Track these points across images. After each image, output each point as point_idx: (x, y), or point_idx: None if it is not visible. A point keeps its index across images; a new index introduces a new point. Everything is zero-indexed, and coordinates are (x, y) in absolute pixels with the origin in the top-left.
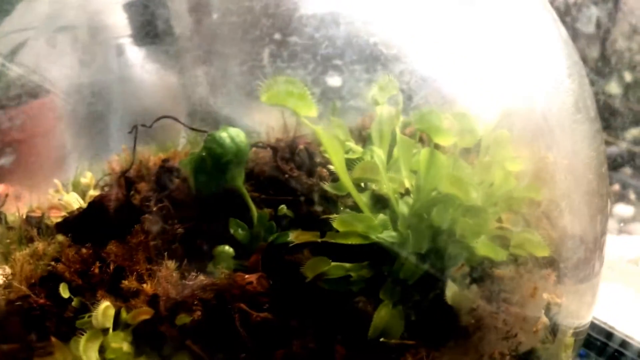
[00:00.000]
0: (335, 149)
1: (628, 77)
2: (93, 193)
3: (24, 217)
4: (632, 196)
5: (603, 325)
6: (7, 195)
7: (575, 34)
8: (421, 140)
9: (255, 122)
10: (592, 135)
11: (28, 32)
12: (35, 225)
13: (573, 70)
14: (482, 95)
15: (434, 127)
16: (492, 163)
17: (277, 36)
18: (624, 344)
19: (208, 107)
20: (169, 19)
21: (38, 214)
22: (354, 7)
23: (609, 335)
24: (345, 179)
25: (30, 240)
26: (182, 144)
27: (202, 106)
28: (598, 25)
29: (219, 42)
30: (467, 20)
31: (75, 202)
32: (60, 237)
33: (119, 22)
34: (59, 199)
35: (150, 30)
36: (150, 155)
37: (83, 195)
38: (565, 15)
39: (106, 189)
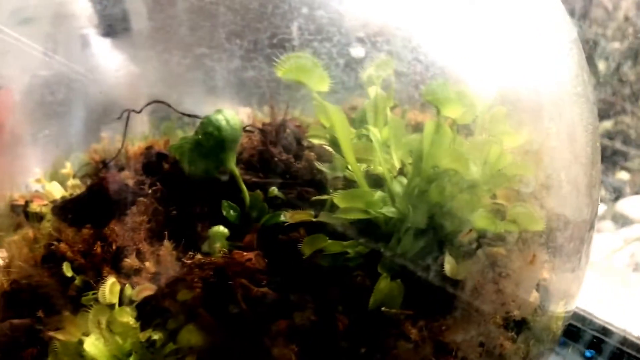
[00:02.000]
0: (343, 127)
1: (602, 66)
2: (73, 182)
3: (10, 205)
4: (602, 192)
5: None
6: None
7: None
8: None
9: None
10: (590, 114)
11: None
12: (20, 213)
13: (573, 46)
14: (480, 73)
15: (442, 98)
16: (488, 139)
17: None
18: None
19: (168, 99)
20: (132, 10)
21: (21, 202)
22: None
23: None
24: (350, 157)
25: (18, 226)
26: (141, 134)
27: (163, 97)
28: (572, 12)
29: (181, 34)
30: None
31: (57, 191)
32: (50, 222)
33: (83, 12)
34: (36, 189)
35: (114, 20)
36: (128, 144)
37: (63, 184)
38: None
39: (84, 178)
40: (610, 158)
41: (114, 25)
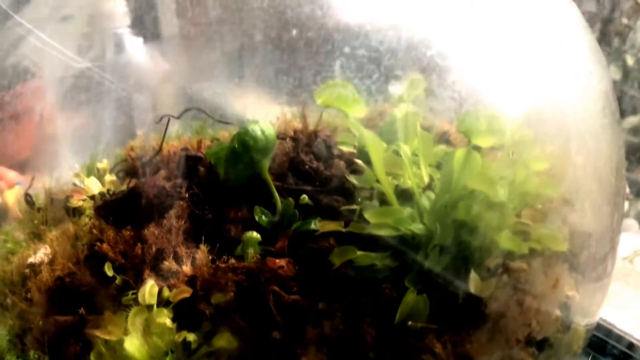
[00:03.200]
0: (376, 148)
1: (630, 60)
2: (110, 177)
3: (50, 199)
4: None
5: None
6: (33, 179)
7: None
8: (447, 142)
9: (243, 110)
10: (617, 138)
11: (35, 22)
12: (61, 207)
13: (602, 76)
14: (511, 96)
15: (472, 129)
16: (515, 161)
17: (272, 33)
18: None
19: (201, 96)
20: (165, 10)
21: (61, 196)
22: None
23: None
24: (382, 175)
25: (59, 221)
26: (176, 133)
27: (196, 95)
28: (602, 2)
29: (214, 33)
30: (498, 23)
31: (95, 186)
32: (87, 219)
33: (118, 11)
34: (76, 183)
35: (147, 20)
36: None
37: (99, 179)
38: None
39: (119, 174)
40: (635, 154)
41: (147, 25)
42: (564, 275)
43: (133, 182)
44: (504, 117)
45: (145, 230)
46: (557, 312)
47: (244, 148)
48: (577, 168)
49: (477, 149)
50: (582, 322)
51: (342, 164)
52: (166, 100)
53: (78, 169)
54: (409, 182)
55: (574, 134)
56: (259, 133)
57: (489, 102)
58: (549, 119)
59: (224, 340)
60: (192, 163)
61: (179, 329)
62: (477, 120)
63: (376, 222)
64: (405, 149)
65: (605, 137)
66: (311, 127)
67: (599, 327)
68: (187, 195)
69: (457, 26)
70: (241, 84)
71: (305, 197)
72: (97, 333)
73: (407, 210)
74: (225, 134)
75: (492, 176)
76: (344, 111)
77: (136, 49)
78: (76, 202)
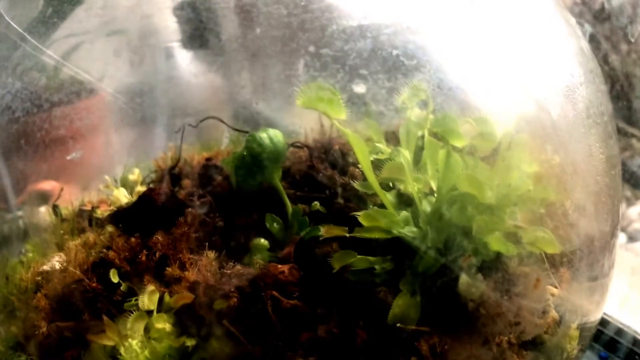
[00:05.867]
0: (362, 149)
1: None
2: (140, 189)
3: (77, 210)
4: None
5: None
6: (62, 190)
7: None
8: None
9: (294, 124)
10: (604, 139)
11: (83, 35)
12: (86, 218)
13: (588, 78)
14: (499, 101)
15: (448, 130)
16: (509, 165)
17: (311, 48)
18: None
19: (251, 109)
20: (216, 25)
21: (88, 207)
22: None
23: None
24: (371, 178)
25: (82, 231)
26: (225, 143)
27: (246, 108)
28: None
29: (261, 51)
30: (483, 27)
31: (123, 197)
32: (110, 228)
33: (169, 26)
34: (107, 194)
35: (197, 35)
36: (195, 153)
37: (131, 190)
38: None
39: (151, 185)
40: None
41: (195, 39)
42: (552, 275)
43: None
44: (493, 121)
45: (152, 238)
46: (553, 314)
47: (252, 156)
48: (567, 170)
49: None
50: (575, 322)
51: (357, 171)
52: (215, 112)
53: (108, 181)
54: (409, 187)
55: (558, 135)
56: (267, 141)
57: (478, 104)
58: (536, 122)
59: (218, 346)
60: (209, 172)
61: (180, 334)
62: (452, 121)
63: (369, 224)
64: (405, 154)
65: (597, 140)
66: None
67: None
68: (198, 202)
69: (445, 29)
70: (290, 99)
71: (317, 204)
72: (95, 338)
73: (402, 214)
74: None
75: (480, 178)
76: (326, 113)
77: (186, 62)
78: (102, 212)
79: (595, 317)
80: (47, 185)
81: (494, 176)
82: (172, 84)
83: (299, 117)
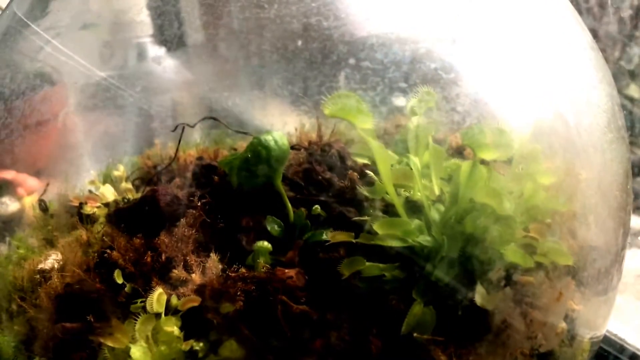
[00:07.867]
0: (384, 160)
1: None
2: (126, 185)
3: (64, 206)
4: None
5: (614, 338)
6: (48, 185)
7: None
8: (460, 153)
9: (263, 122)
10: (622, 153)
11: (57, 29)
12: (73, 214)
13: (608, 92)
14: (518, 111)
15: (477, 142)
16: (523, 175)
17: (291, 46)
18: (634, 357)
19: (222, 106)
20: (187, 21)
21: (75, 203)
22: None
23: (622, 349)
24: (389, 187)
25: (72, 228)
26: (195, 142)
27: (217, 105)
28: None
29: (234, 46)
30: (502, 37)
31: (111, 194)
32: (107, 227)
33: (141, 22)
34: (92, 190)
35: (169, 30)
36: (181, 152)
37: (115, 187)
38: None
39: (136, 182)
40: None
41: (169, 35)
42: (569, 288)
43: (147, 190)
44: (510, 131)
45: (156, 239)
46: (562, 325)
47: (257, 158)
48: (582, 182)
49: (483, 162)
50: (587, 335)
51: (355, 175)
52: (187, 109)
53: (94, 176)
54: (418, 194)
55: (578, 148)
56: (272, 143)
57: (496, 115)
58: (553, 133)
59: (230, 350)
60: (206, 172)
61: (187, 337)
62: (482, 133)
63: (384, 233)
64: (415, 161)
65: (611, 152)
66: (326, 138)
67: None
68: (199, 203)
69: (463, 39)
70: (261, 95)
71: (317, 208)
72: (104, 340)
73: (415, 222)
74: (243, 144)
75: (499, 190)
76: (352, 122)
77: (158, 58)
78: (90, 209)
79: (602, 330)
80: (8, 174)
81: (508, 186)
82: (143, 80)
83: (269, 113)
